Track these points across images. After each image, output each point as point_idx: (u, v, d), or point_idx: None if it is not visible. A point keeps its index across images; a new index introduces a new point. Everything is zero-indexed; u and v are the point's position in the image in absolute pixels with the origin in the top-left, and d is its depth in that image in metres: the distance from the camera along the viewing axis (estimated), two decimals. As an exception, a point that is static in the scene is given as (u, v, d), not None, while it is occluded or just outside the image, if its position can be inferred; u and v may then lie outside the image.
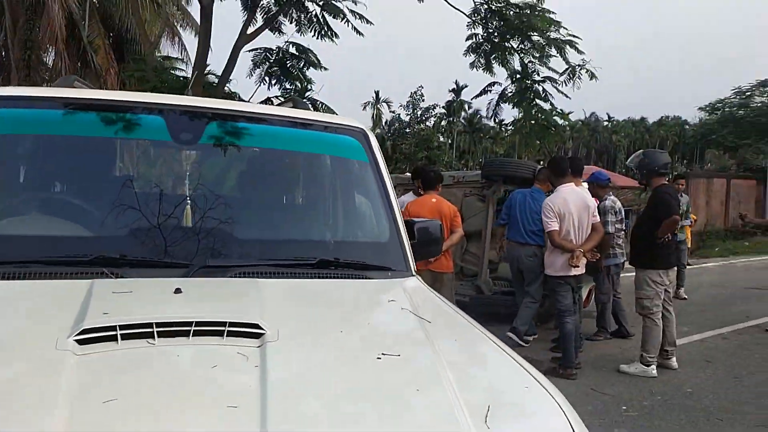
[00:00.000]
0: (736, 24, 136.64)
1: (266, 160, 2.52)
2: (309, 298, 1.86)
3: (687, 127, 65.44)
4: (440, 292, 5.40)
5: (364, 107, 51.16)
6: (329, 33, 8.30)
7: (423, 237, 2.48)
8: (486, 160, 9.02)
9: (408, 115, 18.50)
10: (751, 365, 5.46)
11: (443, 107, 50.82)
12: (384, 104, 43.46)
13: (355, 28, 8.15)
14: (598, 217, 5.31)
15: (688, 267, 13.89)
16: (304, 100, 2.94)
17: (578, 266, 5.07)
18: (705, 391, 4.76)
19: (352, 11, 8.00)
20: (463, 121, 53.30)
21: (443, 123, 53.23)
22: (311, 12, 8.11)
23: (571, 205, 5.10)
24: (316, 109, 9.99)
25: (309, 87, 9.72)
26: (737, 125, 25.18)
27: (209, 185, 2.20)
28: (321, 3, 7.90)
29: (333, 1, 7.84)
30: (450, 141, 54.67)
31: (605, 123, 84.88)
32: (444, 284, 5.46)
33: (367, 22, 8.08)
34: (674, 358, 5.34)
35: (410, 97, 18.63)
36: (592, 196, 5.68)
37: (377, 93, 50.46)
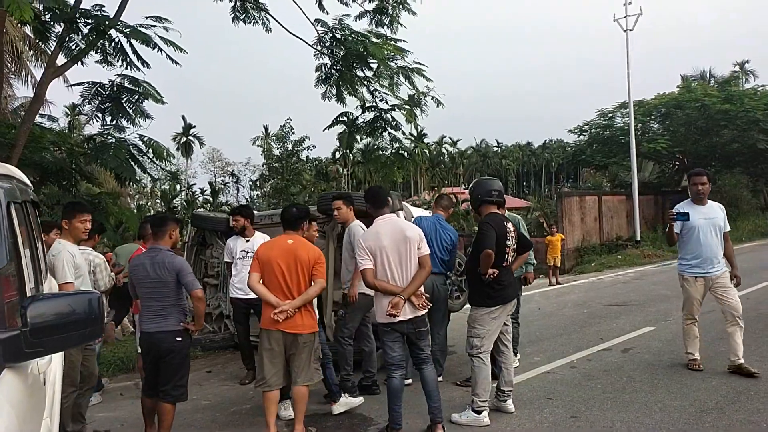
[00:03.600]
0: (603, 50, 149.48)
1: None
2: None
3: (568, 149, 69.96)
4: (295, 357, 4.44)
5: (254, 142, 49.72)
6: (140, 62, 7.53)
7: (40, 321, 1.76)
8: (320, 194, 8.54)
9: (278, 148, 17.89)
10: (591, 399, 5.14)
11: (336, 138, 50.70)
12: (274, 138, 42.54)
13: (170, 57, 7.45)
14: (425, 248, 4.45)
15: (557, 286, 14.13)
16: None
17: (396, 314, 4.28)
18: (536, 438, 4.33)
19: (164, 39, 7.27)
20: (357, 151, 53.41)
21: (337, 155, 53.02)
22: (115, 40, 7.32)
23: (385, 239, 4.37)
24: (149, 148, 9.09)
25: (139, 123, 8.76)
26: (604, 144, 26.78)
27: None
28: (127, 31, 7.10)
29: (140, 28, 7.07)
30: (346, 171, 54.58)
31: (495, 148, 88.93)
32: (299, 348, 4.40)
33: (181, 50, 7.39)
34: (510, 400, 4.91)
35: (280, 129, 18.00)
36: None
37: (266, 127, 49.24)
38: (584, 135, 28.13)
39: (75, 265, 4.42)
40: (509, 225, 4.87)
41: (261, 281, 4.44)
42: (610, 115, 27.02)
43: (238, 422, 5.09)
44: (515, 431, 4.50)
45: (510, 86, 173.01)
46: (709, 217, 5.73)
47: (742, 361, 5.54)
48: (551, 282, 14.31)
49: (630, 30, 22.69)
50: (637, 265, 18.07)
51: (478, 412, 4.63)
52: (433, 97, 9.34)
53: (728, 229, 5.84)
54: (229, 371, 6.83)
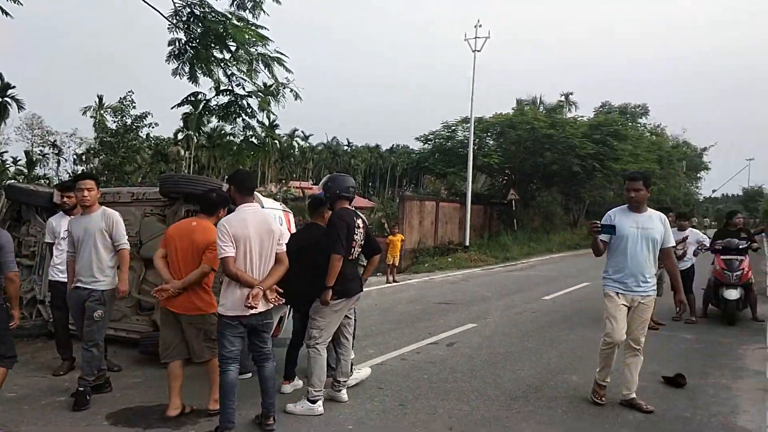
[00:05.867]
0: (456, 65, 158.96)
1: None
2: None
3: (413, 155, 73.24)
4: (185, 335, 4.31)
5: (84, 112, 44.91)
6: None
7: None
8: (163, 175, 8.16)
9: (115, 122, 16.54)
10: (417, 389, 5.52)
11: (181, 119, 47.89)
12: (110, 110, 38.91)
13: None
14: (283, 245, 4.44)
15: (394, 284, 14.94)
16: None
17: (255, 307, 4.11)
18: (367, 426, 4.55)
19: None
20: (203, 135, 50.91)
21: (180, 136, 50.11)
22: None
23: (251, 228, 4.25)
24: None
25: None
26: (445, 154, 28.58)
27: None
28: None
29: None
30: (189, 155, 51.80)
31: (345, 147, 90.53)
32: (185, 326, 4.57)
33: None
34: (344, 390, 5.10)
35: (119, 102, 16.66)
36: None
37: (101, 97, 44.66)
38: (429, 144, 29.79)
39: None
40: (359, 221, 5.04)
41: (164, 257, 4.68)
42: (453, 127, 28.91)
43: (50, 416, 4.66)
44: (347, 420, 4.68)
45: (362, 89, 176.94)
46: (642, 227, 4.90)
47: (634, 395, 5.03)
48: (389, 280, 14.94)
49: (478, 51, 24.49)
50: (464, 267, 19.54)
51: (313, 402, 4.74)
52: (291, 90, 9.32)
53: (671, 244, 5.02)
54: (41, 361, 6.19)
